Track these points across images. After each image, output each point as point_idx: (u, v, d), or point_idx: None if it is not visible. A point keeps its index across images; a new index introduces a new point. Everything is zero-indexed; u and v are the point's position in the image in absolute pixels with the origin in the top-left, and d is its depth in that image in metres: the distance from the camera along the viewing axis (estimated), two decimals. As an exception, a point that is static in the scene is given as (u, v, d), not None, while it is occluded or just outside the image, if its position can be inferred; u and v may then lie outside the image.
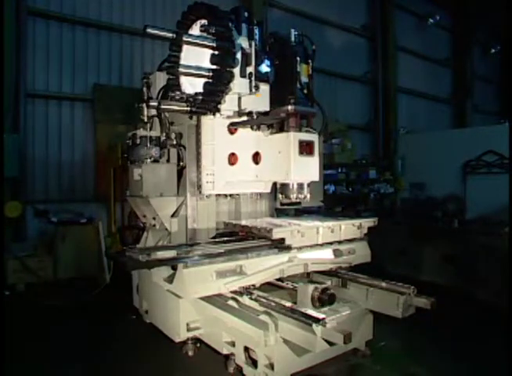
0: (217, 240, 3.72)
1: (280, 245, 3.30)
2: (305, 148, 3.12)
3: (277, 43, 3.50)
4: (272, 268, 3.27)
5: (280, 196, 3.50)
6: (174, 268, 3.23)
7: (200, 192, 3.69)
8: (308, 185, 3.36)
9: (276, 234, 3.18)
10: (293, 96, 3.06)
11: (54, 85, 7.57)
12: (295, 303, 3.00)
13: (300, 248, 3.38)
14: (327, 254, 3.61)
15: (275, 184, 4.31)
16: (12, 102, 6.81)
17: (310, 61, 3.52)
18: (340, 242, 3.68)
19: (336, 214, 6.38)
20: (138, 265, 3.06)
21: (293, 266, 3.38)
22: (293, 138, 3.05)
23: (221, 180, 3.55)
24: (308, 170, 3.22)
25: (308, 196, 3.39)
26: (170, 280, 3.34)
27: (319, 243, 3.45)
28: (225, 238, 3.75)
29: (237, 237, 3.70)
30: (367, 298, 3.30)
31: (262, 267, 3.25)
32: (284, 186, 3.34)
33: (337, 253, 3.63)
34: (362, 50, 12.88)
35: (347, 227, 3.66)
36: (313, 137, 3.20)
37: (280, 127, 3.20)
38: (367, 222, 3.82)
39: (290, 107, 3.01)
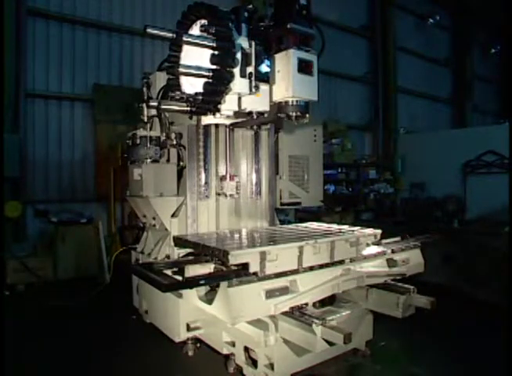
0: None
1: (241, 273, 2.62)
2: (304, 67, 3.06)
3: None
4: (326, 283, 2.95)
5: (280, 115, 3.25)
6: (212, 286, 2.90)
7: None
8: (307, 103, 3.20)
9: (235, 259, 2.61)
10: (292, 16, 3.03)
11: (54, 85, 7.57)
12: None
13: (273, 277, 2.73)
14: (380, 264, 3.30)
15: (274, 184, 4.33)
16: (12, 102, 6.82)
17: None
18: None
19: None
20: (177, 285, 2.63)
21: (348, 281, 3.06)
22: (292, 55, 3.00)
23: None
24: (307, 88, 3.11)
25: (308, 116, 3.23)
26: (208, 299, 2.92)
27: (304, 266, 2.90)
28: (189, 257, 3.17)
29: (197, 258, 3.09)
30: (367, 298, 3.28)
31: (315, 283, 2.89)
32: (283, 105, 3.17)
33: (390, 263, 3.33)
34: (362, 50, 12.87)
35: (341, 244, 3.15)
36: (312, 57, 3.16)
37: (279, 48, 3.17)
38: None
39: (288, 25, 2.96)
